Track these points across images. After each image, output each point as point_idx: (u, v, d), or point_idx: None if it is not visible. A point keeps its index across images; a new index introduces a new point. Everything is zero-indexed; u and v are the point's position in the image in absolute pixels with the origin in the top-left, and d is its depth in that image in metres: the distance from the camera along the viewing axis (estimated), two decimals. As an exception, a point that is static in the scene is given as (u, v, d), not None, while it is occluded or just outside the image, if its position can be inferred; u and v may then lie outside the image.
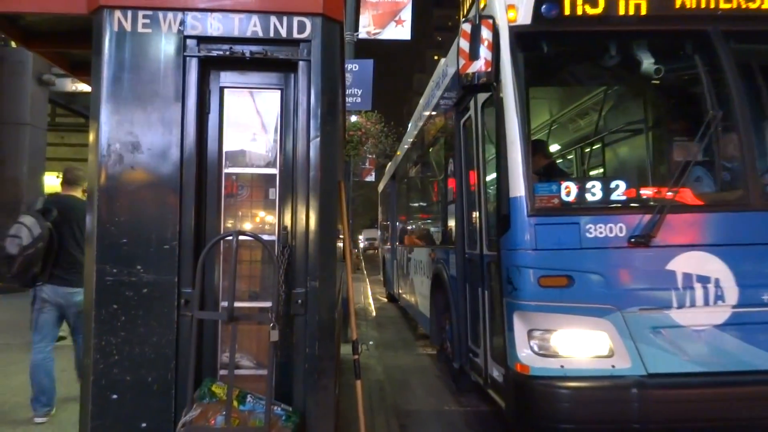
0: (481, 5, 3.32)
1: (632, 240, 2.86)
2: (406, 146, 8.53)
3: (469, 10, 3.23)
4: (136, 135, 2.40)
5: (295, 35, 2.49)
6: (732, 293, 2.82)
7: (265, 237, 2.50)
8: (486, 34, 3.02)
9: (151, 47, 2.43)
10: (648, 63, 3.19)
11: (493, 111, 3.23)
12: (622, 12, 3.11)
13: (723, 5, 3.11)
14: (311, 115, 2.48)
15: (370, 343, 6.90)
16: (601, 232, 2.88)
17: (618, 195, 2.99)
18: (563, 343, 2.88)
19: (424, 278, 6.31)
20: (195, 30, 2.45)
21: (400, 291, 9.29)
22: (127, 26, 2.41)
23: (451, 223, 4.74)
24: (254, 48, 2.48)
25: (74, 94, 13.05)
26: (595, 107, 4.50)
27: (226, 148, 2.59)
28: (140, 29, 2.42)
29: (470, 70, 3.04)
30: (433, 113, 5.73)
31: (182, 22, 2.44)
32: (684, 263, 2.85)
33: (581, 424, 2.82)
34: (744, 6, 3.11)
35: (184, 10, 2.44)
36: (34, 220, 3.46)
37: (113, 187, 2.39)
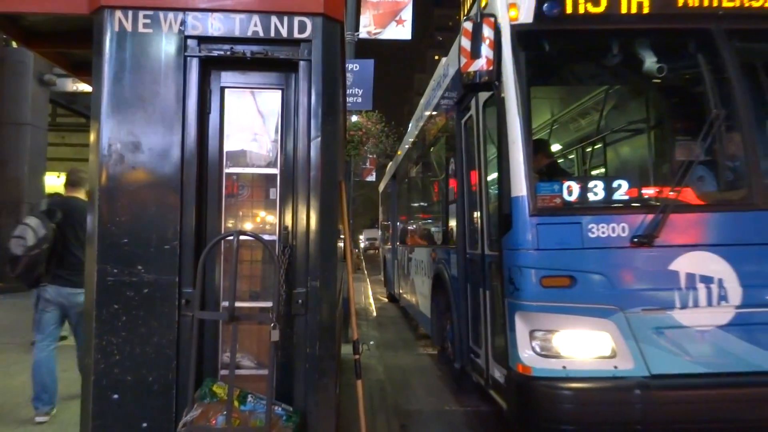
0: (483, 3, 3.30)
1: (635, 240, 2.84)
2: (406, 146, 8.52)
3: (470, 9, 3.20)
4: (136, 135, 2.40)
5: (296, 35, 2.49)
6: (736, 294, 2.80)
7: (266, 237, 2.50)
8: (487, 32, 2.99)
9: (152, 47, 2.43)
10: (650, 62, 3.17)
11: (495, 110, 3.21)
12: (624, 10, 3.09)
13: (726, 3, 3.09)
14: (312, 115, 2.48)
15: (371, 343, 6.90)
16: (603, 232, 2.86)
17: (620, 194, 2.98)
18: (565, 343, 2.86)
19: (425, 278, 6.30)
20: (196, 30, 2.45)
21: (401, 291, 9.29)
22: (128, 26, 2.41)
23: (452, 222, 4.73)
24: (255, 48, 2.48)
25: (75, 94, 13.08)
26: (597, 106, 4.47)
27: (226, 148, 2.59)
28: (141, 29, 2.42)
29: (472, 69, 3.01)
30: (434, 113, 5.73)
31: (183, 22, 2.44)
32: (687, 263, 2.83)
33: (584, 426, 2.80)
34: (747, 4, 3.10)
35: (184, 10, 2.45)
36: (39, 222, 3.49)
37: (114, 187, 2.39)
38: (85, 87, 11.28)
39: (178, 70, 2.43)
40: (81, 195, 3.90)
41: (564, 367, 2.83)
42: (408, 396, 4.62)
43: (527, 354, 2.90)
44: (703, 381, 2.79)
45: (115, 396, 2.34)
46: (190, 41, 2.46)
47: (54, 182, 13.95)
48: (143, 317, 2.37)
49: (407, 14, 10.21)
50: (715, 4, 3.10)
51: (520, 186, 2.94)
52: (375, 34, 10.10)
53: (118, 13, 2.41)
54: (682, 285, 2.83)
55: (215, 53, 2.48)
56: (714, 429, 2.88)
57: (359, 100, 8.63)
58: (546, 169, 3.58)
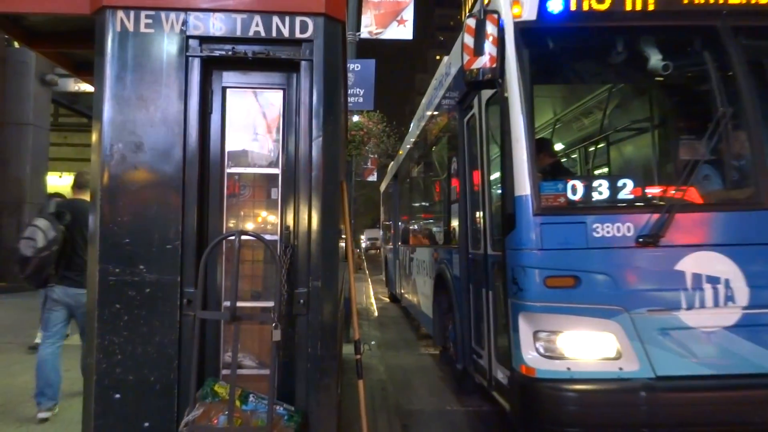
0: (486, 0, 3.27)
1: (640, 240, 2.81)
2: (408, 146, 8.52)
3: (473, 6, 3.18)
4: (138, 135, 2.40)
5: (298, 35, 2.49)
6: (742, 294, 2.77)
7: (268, 237, 2.50)
8: (491, 29, 2.96)
9: (154, 47, 2.43)
10: (655, 59, 3.13)
11: (498, 108, 3.18)
12: (629, 7, 3.06)
13: (731, 0, 3.06)
14: (313, 115, 2.48)
15: (372, 343, 6.90)
16: (608, 232, 2.83)
17: (625, 194, 2.95)
18: (570, 344, 2.83)
19: (427, 278, 6.30)
20: (197, 30, 2.45)
21: (403, 291, 9.29)
22: (130, 26, 2.42)
23: (455, 222, 4.72)
24: (256, 48, 2.48)
25: (77, 94, 13.11)
26: (601, 105, 4.45)
27: (228, 148, 2.59)
28: (143, 29, 2.42)
29: (475, 66, 2.98)
30: (436, 112, 5.71)
31: (185, 22, 2.44)
32: (693, 263, 2.80)
33: (588, 428, 2.77)
34: (753, 1, 3.06)
35: (186, 10, 2.45)
36: (49, 224, 3.54)
37: (116, 187, 2.39)
38: (87, 87, 11.30)
39: (180, 70, 2.43)
40: (88, 197, 3.93)
41: (568, 368, 2.80)
42: (409, 396, 4.62)
43: (531, 355, 2.88)
44: (709, 383, 2.75)
45: (117, 395, 2.34)
46: (191, 41, 2.46)
47: (56, 182, 14.00)
48: (145, 317, 2.37)
49: (408, 14, 10.21)
50: (720, 1, 3.07)
51: (523, 185, 2.91)
52: (376, 34, 10.11)
53: (120, 13, 2.41)
54: (688, 285, 2.79)
55: (217, 53, 2.48)
56: None
57: (360, 100, 8.63)
58: (550, 169, 3.55)
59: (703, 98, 3.19)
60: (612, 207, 2.93)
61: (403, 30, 10.22)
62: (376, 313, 9.92)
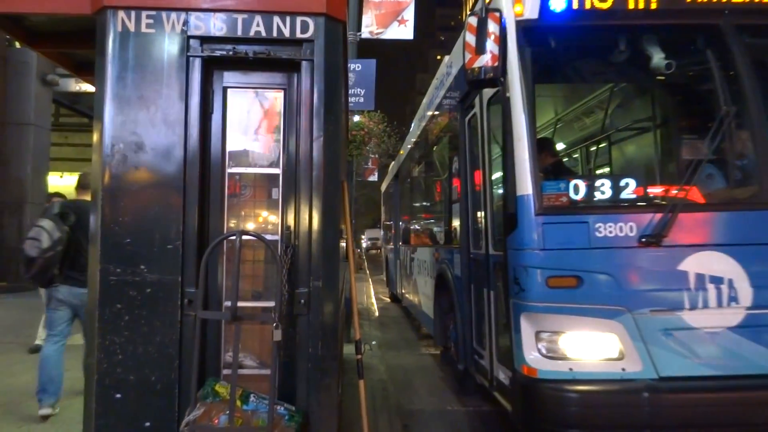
0: None
1: (643, 240, 2.79)
2: (409, 145, 8.51)
3: (475, 4, 3.16)
4: (139, 135, 2.40)
5: (298, 35, 2.49)
6: (746, 294, 2.75)
7: (268, 237, 2.50)
8: (492, 27, 2.95)
9: (155, 47, 2.43)
10: (658, 58, 3.10)
11: (500, 108, 3.16)
12: (631, 6, 3.04)
13: None
14: (314, 115, 2.48)
15: (373, 343, 6.90)
16: (610, 232, 2.81)
17: (628, 193, 2.93)
18: (572, 345, 2.82)
19: (428, 278, 6.29)
20: (198, 30, 2.45)
21: (403, 291, 9.29)
22: (131, 26, 2.42)
23: (456, 222, 4.71)
24: (257, 48, 2.48)
25: (78, 94, 13.13)
26: (604, 104, 4.43)
27: (229, 147, 2.59)
28: (144, 29, 2.42)
29: (476, 65, 2.96)
30: (437, 111, 5.70)
31: (185, 23, 2.44)
32: (696, 263, 2.78)
33: (590, 429, 2.76)
34: None
35: (187, 10, 2.45)
36: (53, 224, 3.58)
37: (117, 187, 2.39)
38: (88, 87, 11.31)
39: (181, 70, 2.43)
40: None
41: (570, 369, 2.79)
42: (410, 396, 4.62)
43: (533, 356, 2.86)
44: (713, 384, 2.73)
45: (118, 395, 2.34)
46: (192, 41, 2.46)
47: (57, 182, 14.01)
48: (146, 317, 2.37)
49: (409, 14, 10.23)
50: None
51: (525, 184, 2.90)
52: (377, 34, 10.12)
53: (121, 14, 2.41)
54: (691, 286, 2.77)
55: (218, 53, 2.48)
56: None
57: (361, 100, 8.64)
58: (551, 168, 3.54)
59: (707, 97, 3.17)
60: (614, 207, 2.91)
61: (403, 30, 10.24)
62: (376, 313, 9.92)
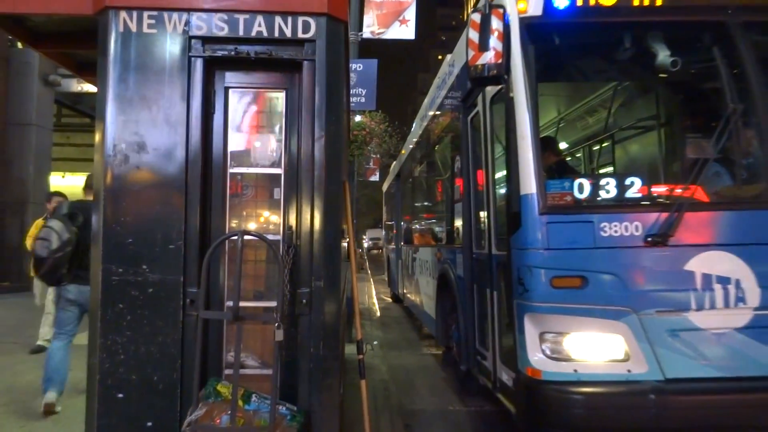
0: None
1: (649, 239, 2.76)
2: (411, 145, 8.50)
3: (476, 2, 3.14)
4: (141, 135, 2.41)
5: (300, 35, 2.48)
6: (754, 295, 2.71)
7: (270, 237, 2.50)
8: (496, 24, 2.91)
9: (157, 48, 2.43)
10: (663, 56, 3.06)
11: (503, 106, 3.14)
12: (636, 2, 3.01)
13: None
14: (316, 115, 2.48)
15: (375, 343, 6.90)
16: (616, 231, 2.78)
17: (634, 192, 2.90)
18: (577, 346, 2.79)
19: (430, 278, 6.28)
20: (200, 30, 2.46)
21: (405, 291, 9.28)
22: (133, 27, 2.42)
23: (458, 222, 4.69)
24: (259, 48, 2.48)
25: (80, 95, 13.15)
26: (609, 102, 4.39)
27: (230, 148, 2.59)
28: (145, 30, 2.43)
29: (480, 62, 2.92)
30: (439, 111, 5.69)
31: (187, 23, 2.45)
32: (703, 263, 2.75)
33: (595, 431, 2.74)
34: None
35: (189, 10, 2.45)
36: (63, 225, 3.64)
37: (119, 187, 2.40)
38: (89, 87, 11.33)
39: (183, 70, 2.44)
40: None
41: (575, 370, 2.76)
42: (412, 396, 4.62)
43: (537, 357, 2.84)
44: (719, 385, 2.70)
45: (120, 395, 2.34)
46: (194, 41, 2.46)
47: (59, 182, 14.04)
48: (148, 317, 2.37)
49: (411, 14, 10.22)
50: None
51: (529, 183, 2.87)
52: (378, 34, 10.12)
53: (123, 14, 2.41)
54: (697, 286, 2.74)
55: (219, 53, 2.48)
56: None
57: (363, 99, 8.65)
58: (555, 167, 3.51)
59: (713, 95, 3.14)
60: (620, 206, 2.87)
61: (405, 30, 10.23)
62: (378, 313, 9.92)
